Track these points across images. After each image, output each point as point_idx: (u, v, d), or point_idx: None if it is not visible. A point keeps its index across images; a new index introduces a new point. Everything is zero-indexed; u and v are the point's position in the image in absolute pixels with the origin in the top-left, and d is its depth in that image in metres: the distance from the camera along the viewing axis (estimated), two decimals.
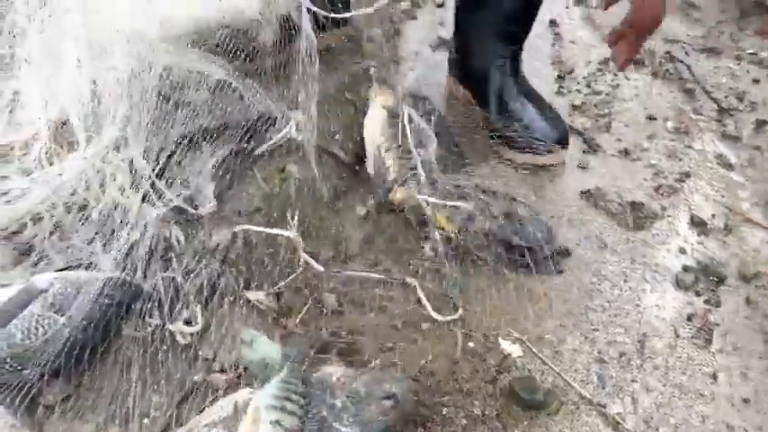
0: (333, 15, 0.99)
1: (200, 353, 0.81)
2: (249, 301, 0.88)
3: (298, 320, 0.86)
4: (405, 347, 0.83)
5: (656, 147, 1.21)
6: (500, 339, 0.85)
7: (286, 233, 0.91)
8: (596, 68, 1.41)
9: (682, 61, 1.44)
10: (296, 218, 0.90)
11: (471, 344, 0.84)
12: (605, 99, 1.32)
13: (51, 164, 0.92)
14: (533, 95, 1.17)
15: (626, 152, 1.19)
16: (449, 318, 0.87)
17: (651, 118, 1.28)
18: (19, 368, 0.73)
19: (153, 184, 0.91)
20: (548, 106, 1.16)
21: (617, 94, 1.34)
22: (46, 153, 0.92)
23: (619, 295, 0.93)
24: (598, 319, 0.90)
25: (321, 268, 0.91)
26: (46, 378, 0.74)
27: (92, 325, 0.77)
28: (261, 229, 0.93)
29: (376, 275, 0.91)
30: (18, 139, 0.92)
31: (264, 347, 0.72)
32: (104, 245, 0.86)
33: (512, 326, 0.87)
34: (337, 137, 1.12)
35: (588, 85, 1.36)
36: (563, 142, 1.13)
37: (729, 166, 1.17)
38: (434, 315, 0.87)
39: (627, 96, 1.33)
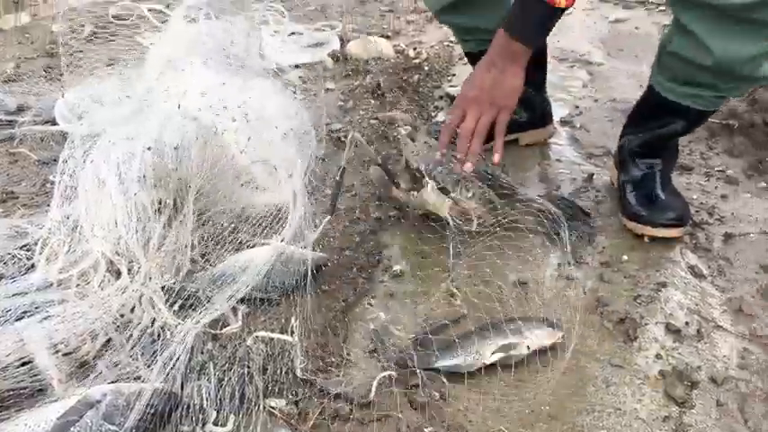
0: None
1: None
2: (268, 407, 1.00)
3: (310, 426, 0.98)
4: None
5: (635, 258, 1.34)
6: None
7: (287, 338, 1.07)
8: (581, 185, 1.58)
9: None
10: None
11: None
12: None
13: (102, 288, 1.08)
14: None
15: (607, 264, 1.33)
16: None
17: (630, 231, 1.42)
18: None
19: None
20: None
21: (599, 210, 1.49)
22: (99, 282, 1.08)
23: (602, 398, 1.04)
24: (582, 421, 1.00)
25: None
26: None
27: None
28: (269, 334, 1.08)
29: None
30: (79, 269, 1.08)
31: None
32: (147, 359, 1.00)
33: (502, 425, 0.98)
34: None
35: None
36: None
37: (701, 277, 1.30)
38: None
39: (608, 212, 1.48)
